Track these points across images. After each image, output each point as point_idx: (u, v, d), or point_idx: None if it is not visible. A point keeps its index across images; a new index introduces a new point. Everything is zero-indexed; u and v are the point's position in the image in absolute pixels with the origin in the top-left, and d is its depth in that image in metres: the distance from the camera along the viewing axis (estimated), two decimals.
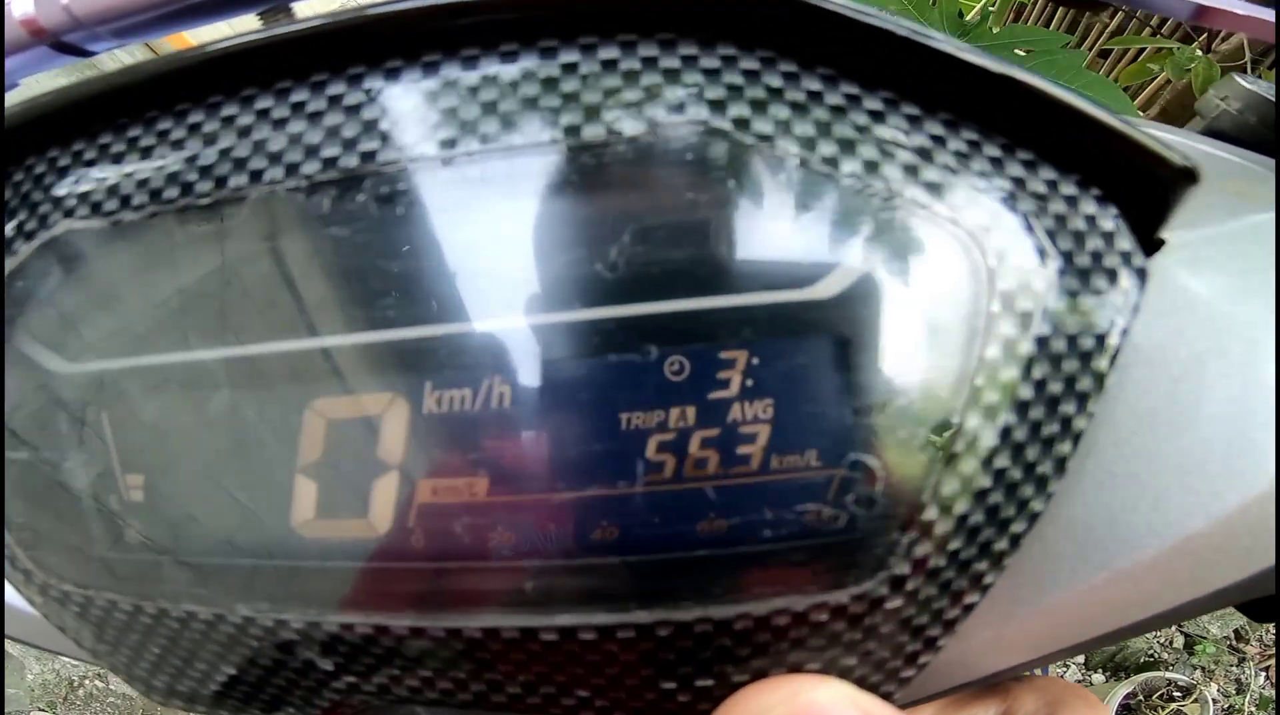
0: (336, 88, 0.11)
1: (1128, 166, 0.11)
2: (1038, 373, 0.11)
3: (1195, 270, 0.12)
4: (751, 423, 0.10)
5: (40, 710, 1.19)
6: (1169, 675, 1.02)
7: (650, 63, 0.11)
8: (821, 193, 0.10)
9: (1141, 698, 1.00)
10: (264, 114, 0.12)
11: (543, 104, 0.11)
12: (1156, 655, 1.07)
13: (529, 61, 0.11)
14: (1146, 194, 0.11)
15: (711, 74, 0.11)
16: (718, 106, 0.10)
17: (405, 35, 0.11)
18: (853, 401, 0.10)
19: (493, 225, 0.11)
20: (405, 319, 0.11)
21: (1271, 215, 0.13)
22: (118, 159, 0.12)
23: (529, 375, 0.11)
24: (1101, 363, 0.11)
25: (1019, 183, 0.11)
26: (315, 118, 0.11)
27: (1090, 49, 0.92)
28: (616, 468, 0.10)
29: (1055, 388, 0.11)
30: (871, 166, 0.10)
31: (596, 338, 0.10)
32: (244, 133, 0.11)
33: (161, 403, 0.12)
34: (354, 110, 0.11)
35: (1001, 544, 0.11)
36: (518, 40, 0.11)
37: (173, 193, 0.12)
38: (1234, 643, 1.07)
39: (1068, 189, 0.11)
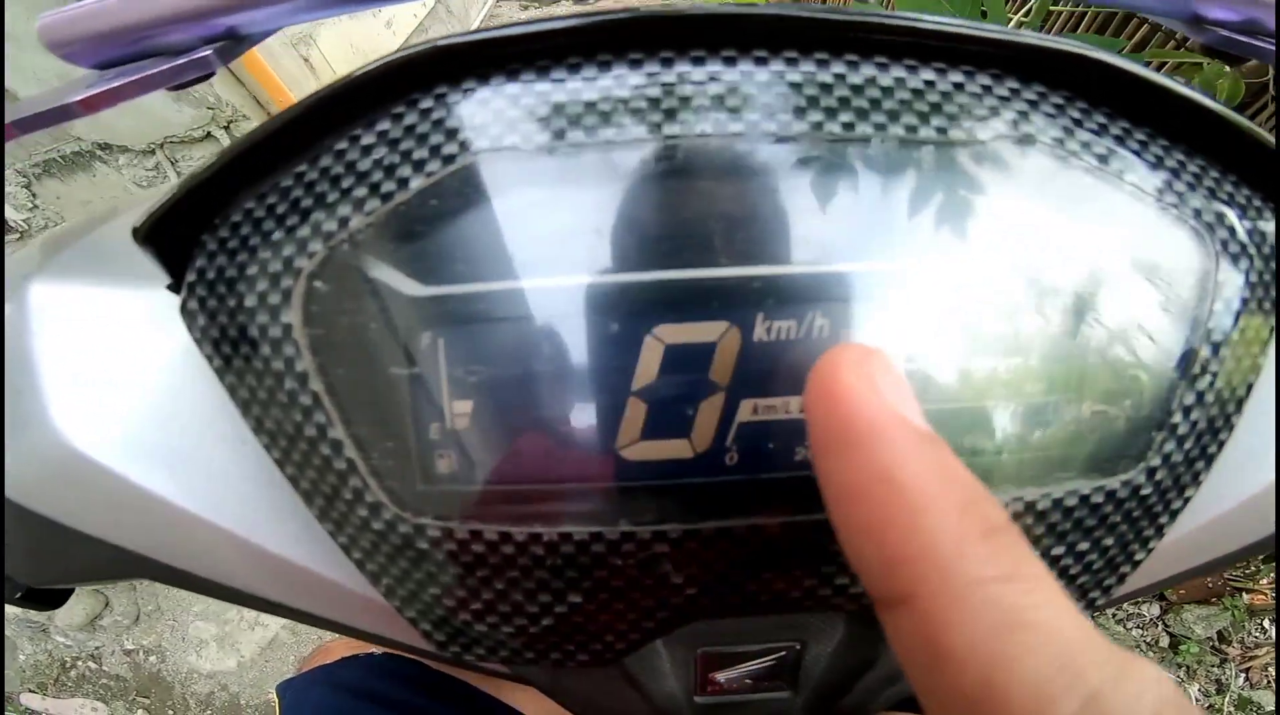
0: (715, 65, 0.13)
1: None
2: (1242, 323, 0.14)
3: None
4: (1063, 348, 0.13)
5: (31, 691, 1.17)
6: None
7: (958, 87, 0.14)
8: (1124, 198, 0.14)
9: None
10: (686, 75, 0.13)
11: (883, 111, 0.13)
12: (1142, 653, 1.09)
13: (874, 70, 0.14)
14: None
15: (1032, 102, 0.14)
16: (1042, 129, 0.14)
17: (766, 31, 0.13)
18: (1135, 333, 0.14)
19: (835, 192, 0.13)
20: (747, 257, 0.13)
21: None
22: (544, 96, 0.13)
23: (848, 311, 0.13)
24: (1272, 320, 0.15)
25: (1239, 201, 0.15)
26: (670, 90, 0.13)
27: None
28: (924, 384, 0.13)
29: (1250, 334, 0.14)
30: (1164, 187, 0.14)
31: (905, 282, 0.13)
32: (669, 89, 0.13)
33: (527, 327, 0.13)
34: (729, 86, 0.13)
35: (1213, 447, 0.15)
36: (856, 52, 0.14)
37: (610, 133, 0.13)
38: (1216, 644, 1.11)
39: (1264, 209, 0.15)
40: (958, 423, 0.13)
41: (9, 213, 1.27)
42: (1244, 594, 1.10)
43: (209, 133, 1.39)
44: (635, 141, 0.13)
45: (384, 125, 0.14)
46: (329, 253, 0.13)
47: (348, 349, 0.13)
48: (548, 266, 0.13)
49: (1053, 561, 0.15)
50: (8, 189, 1.38)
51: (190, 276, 0.14)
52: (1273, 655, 1.08)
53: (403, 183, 0.13)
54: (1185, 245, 0.14)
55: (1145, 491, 0.14)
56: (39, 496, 0.17)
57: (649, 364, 0.13)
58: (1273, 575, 1.08)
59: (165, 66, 0.17)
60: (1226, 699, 1.07)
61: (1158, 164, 0.14)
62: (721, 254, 0.13)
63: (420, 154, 0.13)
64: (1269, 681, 1.08)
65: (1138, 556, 0.15)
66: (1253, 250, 0.15)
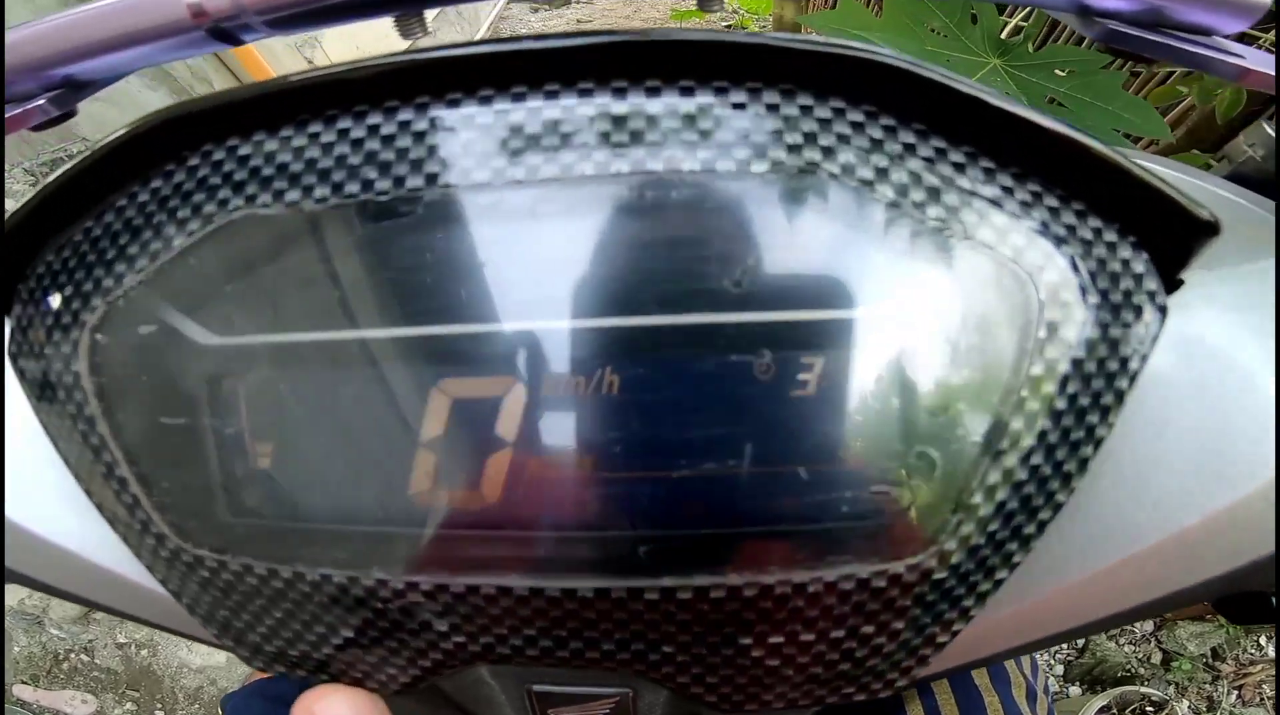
0: (503, 104, 0.13)
1: (1161, 217, 0.13)
2: (1071, 389, 0.13)
3: (1206, 307, 0.14)
4: (830, 418, 0.12)
5: (24, 683, 1.18)
6: (1143, 690, 1.04)
7: (774, 109, 0.12)
8: (910, 232, 0.12)
9: (1115, 711, 1.02)
10: (437, 121, 0.13)
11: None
12: (1134, 670, 1.09)
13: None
14: (1174, 240, 0.13)
15: (825, 123, 0.12)
16: (829, 153, 0.12)
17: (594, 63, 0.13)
18: (921, 403, 0.12)
19: (631, 240, 0.12)
20: (535, 312, 0.12)
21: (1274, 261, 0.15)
22: (299, 152, 0.13)
23: (638, 368, 0.12)
24: (1123, 383, 0.13)
25: (1071, 229, 0.13)
26: (487, 130, 0.13)
27: (1123, 68, 0.92)
28: (710, 453, 0.12)
29: (1084, 402, 0.13)
30: (953, 211, 0.12)
31: (699, 339, 0.12)
32: (420, 137, 0.12)
33: (297, 377, 0.13)
34: (517, 128, 0.13)
35: (1030, 528, 0.13)
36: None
37: (354, 188, 0.12)
38: (1210, 661, 1.09)
39: (1109, 236, 0.13)
40: (718, 494, 0.12)
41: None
42: None
43: None
44: (385, 198, 0.12)
45: (156, 182, 0.14)
46: (108, 308, 0.14)
47: (127, 396, 0.14)
48: (321, 321, 0.13)
49: (831, 644, 0.13)
50: (19, 187, 1.40)
51: (10, 322, 0.15)
52: (1267, 672, 1.07)
53: (167, 241, 0.13)
54: (997, 291, 0.12)
55: (939, 576, 0.13)
56: None
57: (435, 416, 0.13)
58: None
59: (14, 113, 0.18)
60: None
61: (971, 194, 0.12)
62: (506, 308, 0.12)
63: (183, 212, 0.13)
64: (1262, 699, 1.07)
65: (940, 639, 0.14)
66: (1094, 297, 0.13)
